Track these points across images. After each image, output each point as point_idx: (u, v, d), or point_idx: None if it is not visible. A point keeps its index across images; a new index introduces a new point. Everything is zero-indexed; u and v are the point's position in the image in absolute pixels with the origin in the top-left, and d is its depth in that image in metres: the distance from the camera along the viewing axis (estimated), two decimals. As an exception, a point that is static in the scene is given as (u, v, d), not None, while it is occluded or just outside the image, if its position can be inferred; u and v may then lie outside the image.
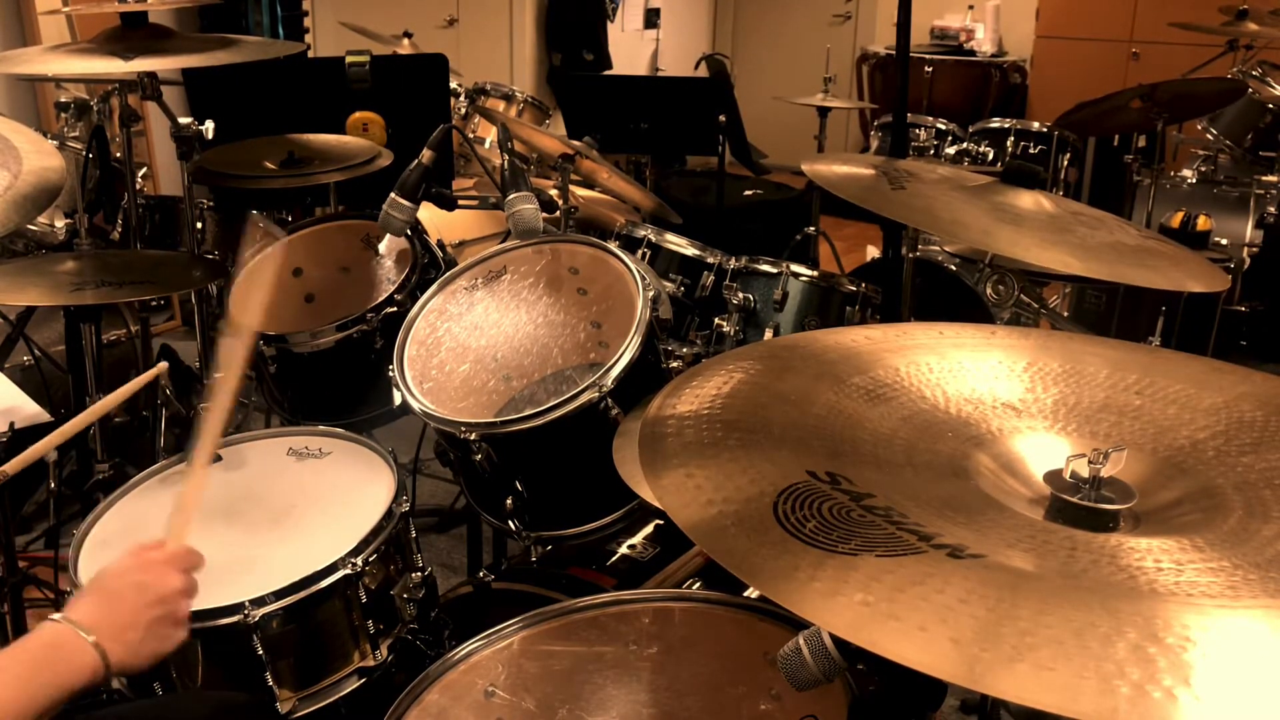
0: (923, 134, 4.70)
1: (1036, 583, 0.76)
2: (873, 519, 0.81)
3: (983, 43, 6.53)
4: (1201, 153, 4.48)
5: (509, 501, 1.68)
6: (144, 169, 4.11)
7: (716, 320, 2.34)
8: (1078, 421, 1.02)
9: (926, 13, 6.55)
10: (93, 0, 3.52)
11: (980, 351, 1.12)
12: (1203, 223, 3.56)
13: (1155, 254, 1.60)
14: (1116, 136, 4.70)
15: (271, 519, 1.58)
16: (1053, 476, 0.92)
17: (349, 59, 2.90)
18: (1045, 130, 4.52)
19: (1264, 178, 4.02)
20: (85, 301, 1.99)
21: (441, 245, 2.26)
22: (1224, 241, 3.75)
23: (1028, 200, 1.68)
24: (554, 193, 2.38)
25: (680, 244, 2.42)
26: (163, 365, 1.85)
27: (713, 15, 7.75)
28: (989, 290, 2.41)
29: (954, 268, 2.93)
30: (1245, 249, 3.87)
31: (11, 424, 1.99)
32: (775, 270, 2.35)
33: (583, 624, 1.32)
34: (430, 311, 1.83)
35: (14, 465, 1.50)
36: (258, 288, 1.43)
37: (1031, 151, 4.52)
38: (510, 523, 1.70)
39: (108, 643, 1.05)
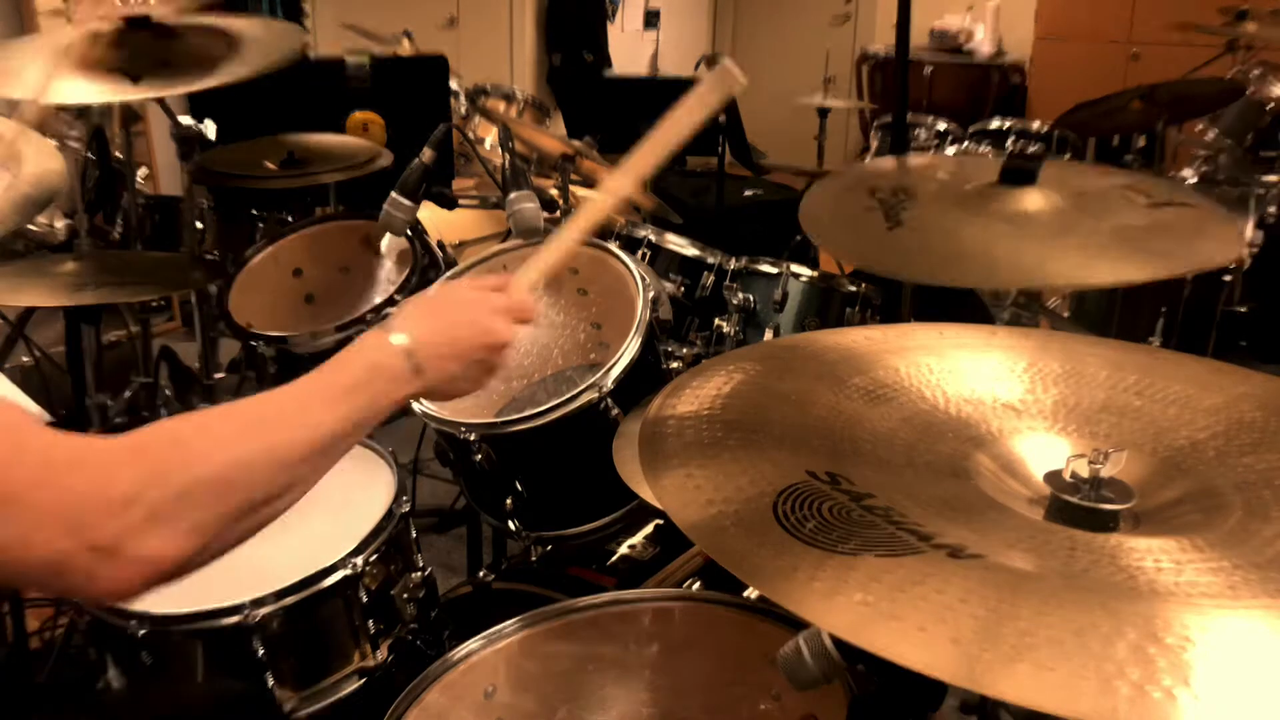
0: (923, 134, 4.70)
1: (1036, 583, 0.76)
2: (872, 519, 0.81)
3: (982, 43, 6.53)
4: (1201, 153, 4.48)
5: (509, 501, 1.68)
6: (144, 169, 4.11)
7: (716, 320, 2.34)
8: (1078, 422, 1.02)
9: (926, 13, 6.54)
10: (93, 2, 3.52)
11: (980, 352, 1.12)
12: (1202, 223, 3.55)
13: (1166, 230, 1.55)
14: (1116, 137, 4.69)
15: (272, 519, 1.58)
16: (1053, 477, 0.92)
17: (349, 59, 2.90)
18: (1045, 131, 4.52)
19: (1264, 178, 4.02)
20: (85, 302, 1.99)
21: (441, 245, 2.25)
22: (1224, 241, 3.74)
23: (1028, 200, 1.66)
24: (554, 193, 2.38)
25: (680, 244, 2.42)
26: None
27: (713, 15, 7.74)
28: (989, 290, 2.41)
29: (954, 268, 2.92)
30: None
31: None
32: (775, 270, 2.35)
33: (583, 624, 1.32)
34: (430, 312, 1.83)
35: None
36: None
37: (1031, 151, 4.51)
38: (510, 523, 1.70)
39: (428, 367, 1.01)
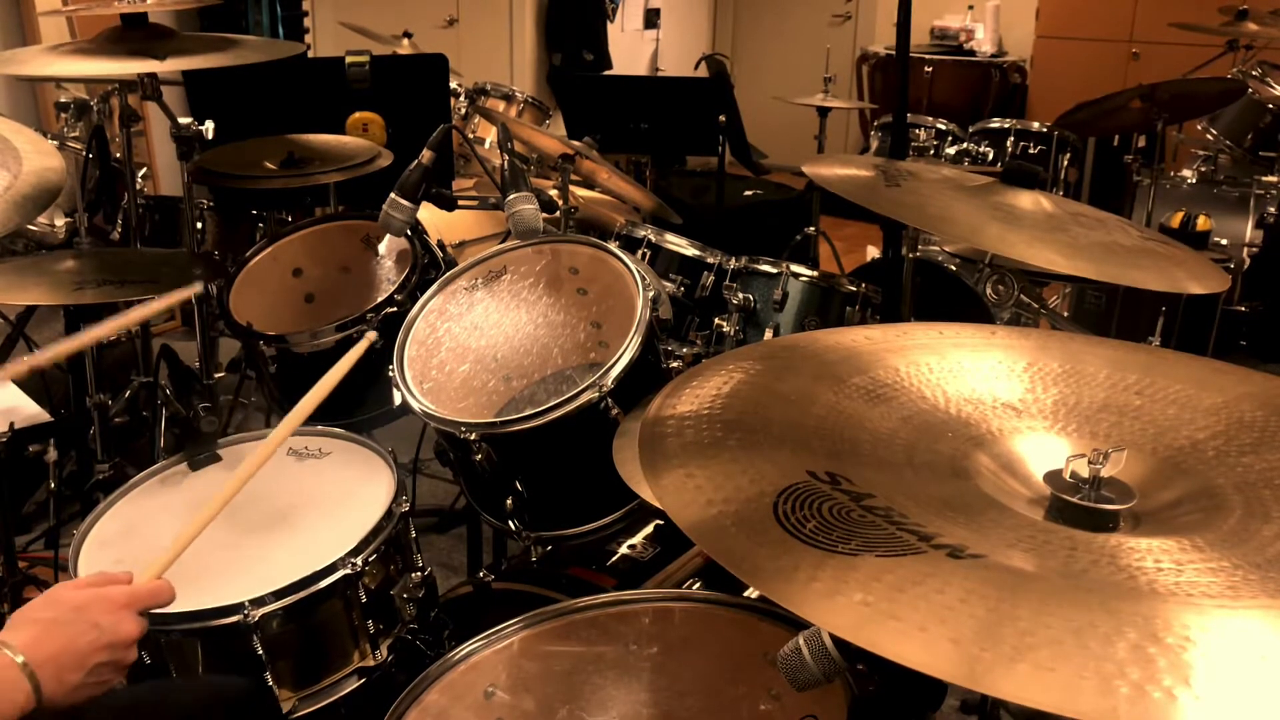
0: (923, 134, 4.70)
1: (1036, 583, 0.76)
2: (873, 519, 0.81)
3: (983, 43, 6.53)
4: (1201, 153, 4.48)
5: (509, 501, 1.68)
6: (144, 169, 4.11)
7: (716, 320, 2.34)
8: (1078, 421, 1.02)
9: (926, 13, 6.55)
10: (93, 1, 3.52)
11: (980, 351, 1.12)
12: (1203, 223, 3.56)
13: (1151, 254, 1.60)
14: (1116, 136, 4.70)
15: (271, 519, 1.58)
16: (1053, 476, 0.92)
17: (349, 59, 2.90)
18: (1045, 130, 4.52)
19: (1264, 178, 4.02)
20: (85, 301, 1.99)
21: (441, 245, 2.25)
22: (1224, 241, 3.75)
23: (1027, 200, 1.68)
24: (554, 193, 2.38)
25: (680, 244, 2.42)
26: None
27: (713, 15, 7.75)
28: (989, 290, 2.41)
29: (954, 268, 2.93)
30: (1245, 249, 3.88)
31: (11, 424, 1.99)
32: (775, 270, 2.35)
33: (583, 624, 1.32)
34: (430, 311, 1.83)
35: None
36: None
37: (1031, 151, 4.52)
38: (510, 523, 1.70)
39: (46, 680, 1.00)
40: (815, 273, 2.38)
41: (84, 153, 3.15)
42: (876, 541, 0.78)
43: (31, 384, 2.45)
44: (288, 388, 2.17)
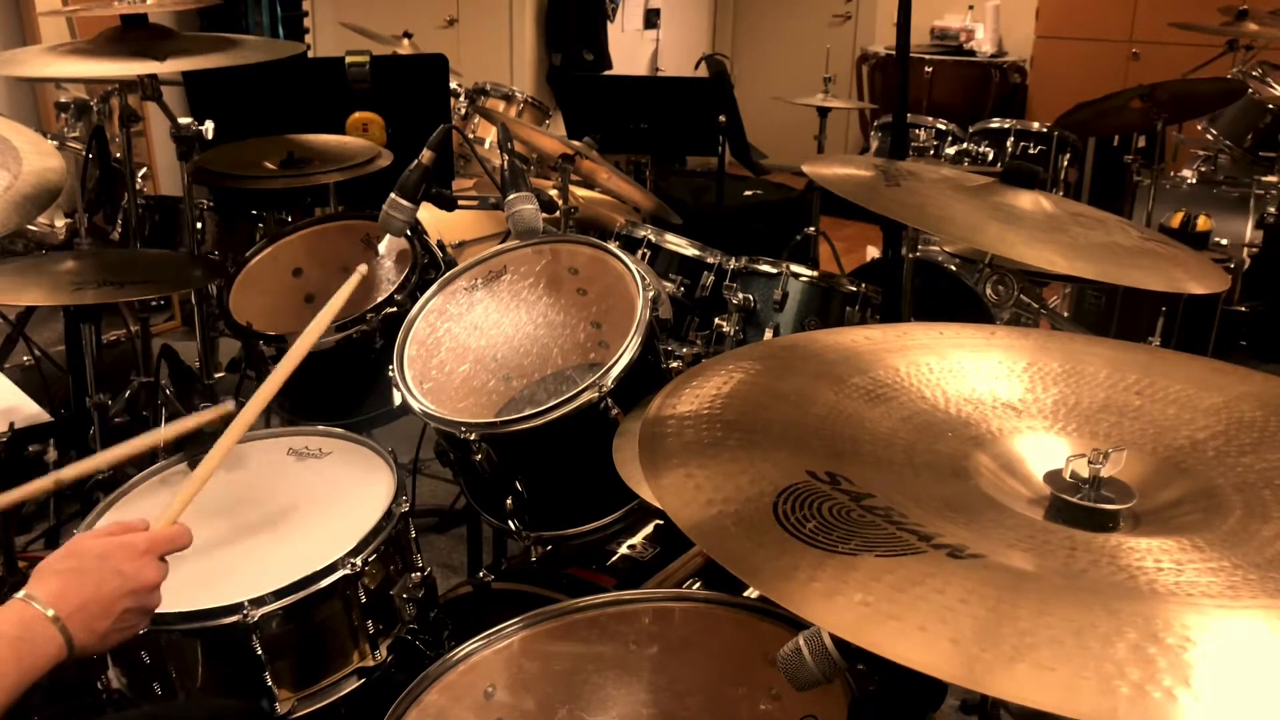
0: (923, 134, 4.69)
1: (1036, 583, 0.76)
2: (873, 519, 0.81)
3: (983, 43, 6.53)
4: (1201, 153, 4.48)
5: (509, 501, 1.68)
6: (144, 169, 4.11)
7: (716, 320, 2.34)
8: (1078, 421, 1.02)
9: (926, 13, 6.55)
10: (93, 1, 3.52)
11: (980, 351, 1.12)
12: (1203, 223, 3.56)
13: (1151, 254, 1.60)
14: (1116, 136, 4.69)
15: (271, 519, 1.58)
16: (1053, 476, 0.92)
17: (349, 59, 2.90)
18: (1045, 130, 4.52)
19: (1264, 178, 4.02)
20: (85, 301, 1.99)
21: (441, 245, 2.26)
22: (1224, 241, 3.75)
23: (1027, 200, 1.68)
24: (554, 193, 2.38)
25: (680, 244, 2.42)
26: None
27: (713, 15, 7.74)
28: (989, 290, 2.41)
29: (954, 268, 2.93)
30: (1245, 249, 3.87)
31: (11, 424, 1.99)
32: (775, 270, 2.35)
33: (583, 624, 1.32)
34: (430, 311, 1.83)
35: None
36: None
37: (1031, 152, 4.51)
38: (510, 523, 1.70)
39: (75, 629, 1.02)
40: (815, 273, 2.38)
41: (84, 153, 3.15)
42: (876, 541, 0.78)
43: (31, 384, 2.45)
44: (288, 387, 2.17)
